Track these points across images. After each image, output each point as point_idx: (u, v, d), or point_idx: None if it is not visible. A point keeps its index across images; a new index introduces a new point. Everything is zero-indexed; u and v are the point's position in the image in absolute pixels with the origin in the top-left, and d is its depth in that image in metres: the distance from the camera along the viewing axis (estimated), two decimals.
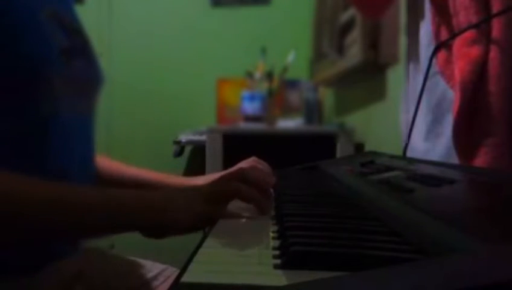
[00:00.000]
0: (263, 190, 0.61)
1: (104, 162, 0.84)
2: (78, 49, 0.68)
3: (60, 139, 0.64)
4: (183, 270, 0.36)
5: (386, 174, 0.65)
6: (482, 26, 0.76)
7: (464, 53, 0.77)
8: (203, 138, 1.74)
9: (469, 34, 0.77)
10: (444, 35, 0.87)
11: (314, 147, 1.69)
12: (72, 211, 0.53)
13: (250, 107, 2.09)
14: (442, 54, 0.87)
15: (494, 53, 0.74)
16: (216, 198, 0.57)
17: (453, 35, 0.81)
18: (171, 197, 0.57)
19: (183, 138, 1.82)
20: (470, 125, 0.77)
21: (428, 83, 0.87)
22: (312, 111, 2.09)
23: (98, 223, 0.54)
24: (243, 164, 0.85)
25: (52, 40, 0.62)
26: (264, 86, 2.10)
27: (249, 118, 2.07)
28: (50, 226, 0.52)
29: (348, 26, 1.75)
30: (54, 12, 0.64)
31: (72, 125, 0.66)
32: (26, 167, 0.54)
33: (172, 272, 0.82)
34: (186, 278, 0.34)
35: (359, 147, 1.68)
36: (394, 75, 1.43)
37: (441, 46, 0.86)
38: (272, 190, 0.74)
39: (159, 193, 0.60)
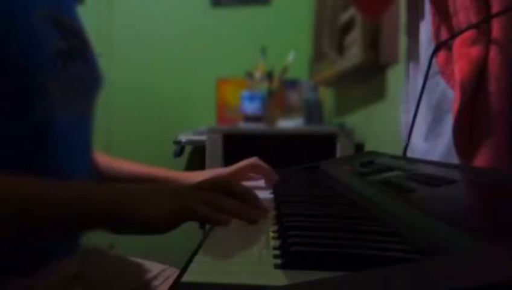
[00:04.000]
0: (250, 202, 0.57)
1: (105, 159, 0.85)
2: (76, 50, 0.67)
3: (58, 140, 0.64)
4: (183, 270, 0.36)
5: (386, 174, 0.65)
6: (482, 26, 0.76)
7: (464, 53, 0.77)
8: (203, 138, 1.74)
9: (469, 34, 0.77)
10: (444, 35, 0.87)
11: (314, 147, 1.69)
12: (34, 207, 0.51)
13: (250, 107, 2.09)
14: (442, 54, 0.87)
15: (494, 53, 0.74)
16: (192, 198, 0.53)
17: (453, 35, 0.81)
18: (143, 195, 0.54)
19: (183, 138, 1.82)
20: (470, 125, 0.77)
21: (428, 83, 0.87)
22: (312, 111, 2.09)
23: (57, 219, 0.52)
24: (243, 163, 0.86)
25: (45, 42, 0.61)
26: (264, 86, 2.10)
27: (249, 118, 2.07)
28: (14, 223, 0.51)
29: (348, 26, 1.75)
30: (51, 14, 0.63)
31: (70, 127, 0.66)
32: (24, 168, 0.54)
33: (172, 272, 0.82)
34: (186, 278, 0.34)
35: (359, 147, 1.68)
36: (394, 75, 1.43)
37: (441, 46, 0.86)
38: (269, 195, 0.74)
39: (131, 190, 0.56)
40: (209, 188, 0.56)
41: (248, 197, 0.57)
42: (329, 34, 1.99)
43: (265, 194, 0.78)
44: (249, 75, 2.17)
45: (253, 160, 0.87)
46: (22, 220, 0.51)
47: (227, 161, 1.64)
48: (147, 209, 0.51)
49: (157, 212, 0.51)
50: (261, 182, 0.88)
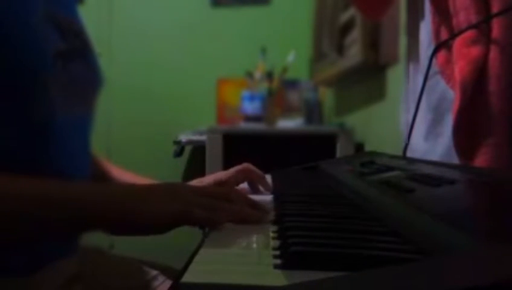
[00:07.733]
0: (251, 205, 0.57)
1: (104, 165, 0.85)
2: (76, 51, 0.67)
3: (57, 140, 0.64)
4: (183, 270, 0.36)
5: (386, 174, 0.65)
6: (482, 26, 0.76)
7: (464, 53, 0.77)
8: (203, 138, 1.74)
9: (469, 34, 0.77)
10: (444, 35, 0.87)
11: (314, 147, 1.69)
12: (27, 207, 0.50)
13: (250, 107, 2.09)
14: (442, 54, 0.87)
15: (494, 53, 0.74)
16: (192, 203, 0.52)
17: (453, 35, 0.81)
18: (140, 195, 0.53)
19: (183, 138, 1.82)
20: (470, 125, 0.77)
21: (428, 83, 0.87)
22: (312, 111, 2.09)
23: (51, 220, 0.51)
24: (233, 170, 0.83)
25: (44, 42, 0.61)
26: (264, 86, 2.10)
27: (249, 118, 2.07)
28: (7, 224, 0.50)
29: (348, 26, 1.75)
30: (51, 14, 0.63)
31: (69, 128, 0.66)
32: (23, 168, 0.53)
33: (172, 272, 0.82)
34: (186, 278, 0.34)
35: (359, 147, 1.68)
36: (394, 75, 1.43)
37: (441, 46, 0.86)
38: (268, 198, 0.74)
39: (127, 191, 0.56)
40: (210, 194, 0.56)
41: (247, 202, 0.58)
42: (329, 34, 1.99)
43: (265, 195, 0.78)
44: (249, 75, 2.17)
45: (243, 166, 0.85)
46: (15, 221, 0.50)
47: (227, 160, 1.64)
48: (142, 210, 0.51)
49: (154, 214, 0.51)
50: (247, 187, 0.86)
